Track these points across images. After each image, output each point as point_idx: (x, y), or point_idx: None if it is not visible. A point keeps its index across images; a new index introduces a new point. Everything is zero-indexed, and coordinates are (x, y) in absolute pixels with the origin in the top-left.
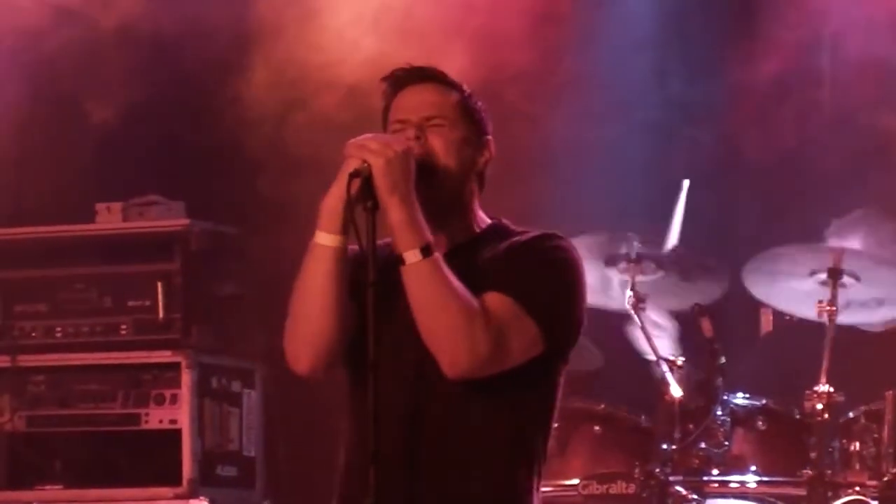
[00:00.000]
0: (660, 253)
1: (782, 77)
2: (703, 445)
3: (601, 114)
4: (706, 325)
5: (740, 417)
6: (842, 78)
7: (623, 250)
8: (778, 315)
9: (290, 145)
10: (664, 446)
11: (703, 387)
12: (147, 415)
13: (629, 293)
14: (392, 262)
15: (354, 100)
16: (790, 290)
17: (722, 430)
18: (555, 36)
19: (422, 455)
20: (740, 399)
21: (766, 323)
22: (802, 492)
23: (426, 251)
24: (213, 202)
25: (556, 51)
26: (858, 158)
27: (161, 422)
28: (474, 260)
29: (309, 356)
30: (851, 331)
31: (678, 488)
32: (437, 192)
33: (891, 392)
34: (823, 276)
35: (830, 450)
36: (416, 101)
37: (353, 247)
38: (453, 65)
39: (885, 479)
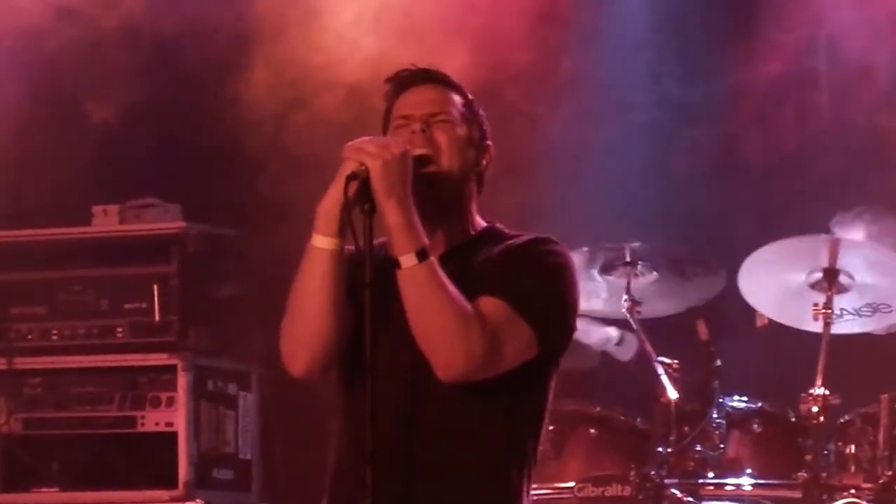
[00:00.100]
0: (656, 255)
1: (780, 78)
2: (698, 448)
3: (600, 114)
4: (702, 328)
5: (736, 420)
6: (840, 79)
7: (618, 253)
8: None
9: (290, 146)
10: (660, 449)
11: (698, 389)
12: (143, 417)
13: (625, 297)
14: (389, 263)
15: (354, 100)
16: (785, 298)
17: (717, 432)
18: (554, 36)
19: (416, 457)
20: (736, 401)
21: (762, 325)
22: (798, 494)
23: (422, 255)
24: (213, 202)
25: (556, 51)
26: (857, 159)
27: (157, 424)
28: (469, 263)
29: (305, 358)
30: (847, 333)
31: (674, 491)
32: (438, 190)
33: (886, 395)
34: (819, 275)
35: (826, 452)
36: (422, 99)
37: (350, 247)
38: (453, 65)
39: (881, 481)
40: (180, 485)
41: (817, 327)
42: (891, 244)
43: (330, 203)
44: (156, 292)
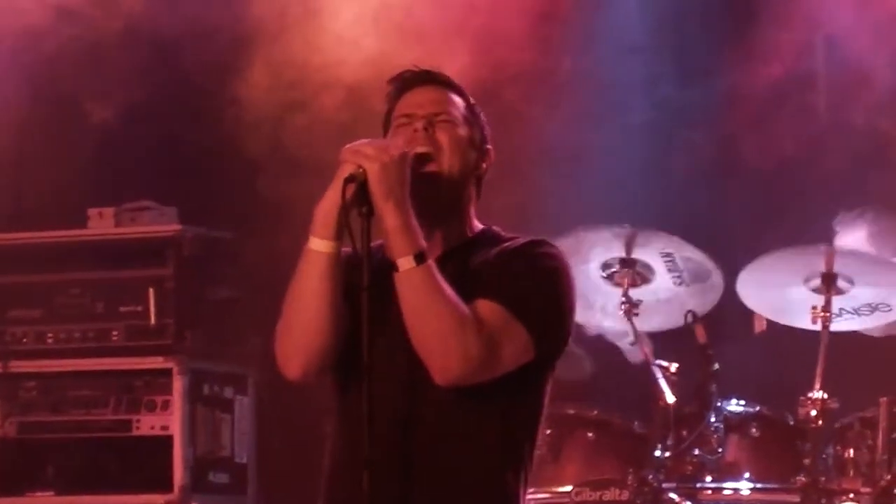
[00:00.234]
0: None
1: (779, 80)
2: (696, 452)
3: (598, 115)
4: (700, 332)
5: (734, 424)
6: (839, 80)
7: (615, 255)
8: (771, 320)
9: (289, 147)
10: (657, 453)
11: (696, 393)
12: (138, 421)
13: (622, 299)
14: (386, 265)
15: (354, 101)
16: (784, 299)
17: (716, 436)
18: (552, 37)
19: (412, 460)
20: (734, 405)
21: (760, 328)
22: (796, 498)
23: (420, 258)
24: (209, 205)
25: (554, 52)
26: (857, 160)
27: (152, 428)
28: (466, 265)
29: (301, 361)
30: (846, 336)
31: (671, 495)
32: (437, 190)
33: (885, 398)
34: (817, 281)
35: (824, 456)
36: (424, 99)
37: (347, 249)
38: (452, 65)
39: (880, 485)
40: (176, 489)
41: (815, 326)
42: (892, 244)
43: (327, 206)
44: (151, 295)
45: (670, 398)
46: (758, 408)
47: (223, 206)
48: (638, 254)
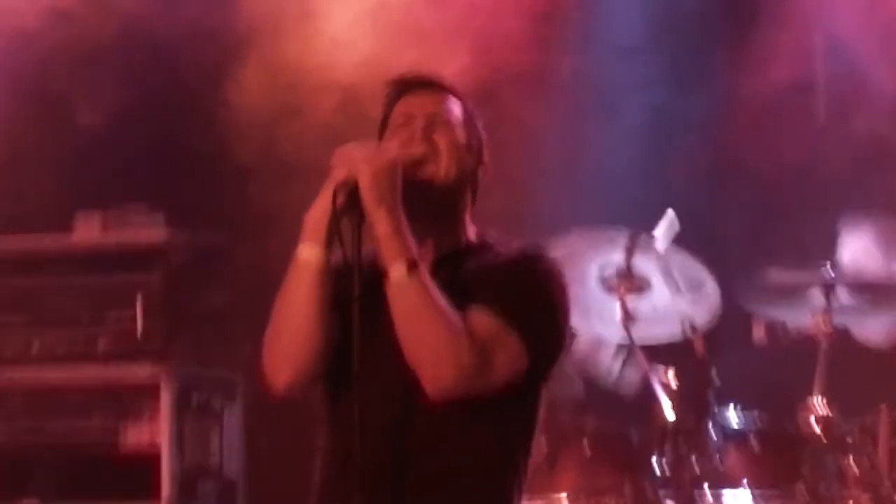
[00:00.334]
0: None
1: (780, 85)
2: (694, 461)
3: (595, 118)
4: (698, 343)
5: (732, 432)
6: (839, 85)
7: (612, 261)
8: (770, 327)
9: (282, 151)
10: (655, 462)
11: (694, 401)
12: (125, 431)
13: (619, 309)
14: (378, 273)
15: (349, 104)
16: (785, 303)
17: (713, 445)
18: (551, 39)
19: (405, 471)
20: (732, 413)
21: (759, 335)
22: None
23: (412, 266)
24: (199, 209)
25: (552, 53)
26: (858, 166)
27: (139, 438)
28: (459, 273)
29: (288, 371)
30: (845, 343)
31: (669, 503)
32: (431, 196)
33: (885, 405)
34: (817, 290)
35: (824, 464)
36: (424, 101)
37: (338, 257)
38: (450, 66)
39: (881, 493)
40: (163, 501)
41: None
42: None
43: (318, 212)
44: (139, 302)
45: (668, 408)
46: (756, 416)
47: (213, 211)
48: (635, 261)
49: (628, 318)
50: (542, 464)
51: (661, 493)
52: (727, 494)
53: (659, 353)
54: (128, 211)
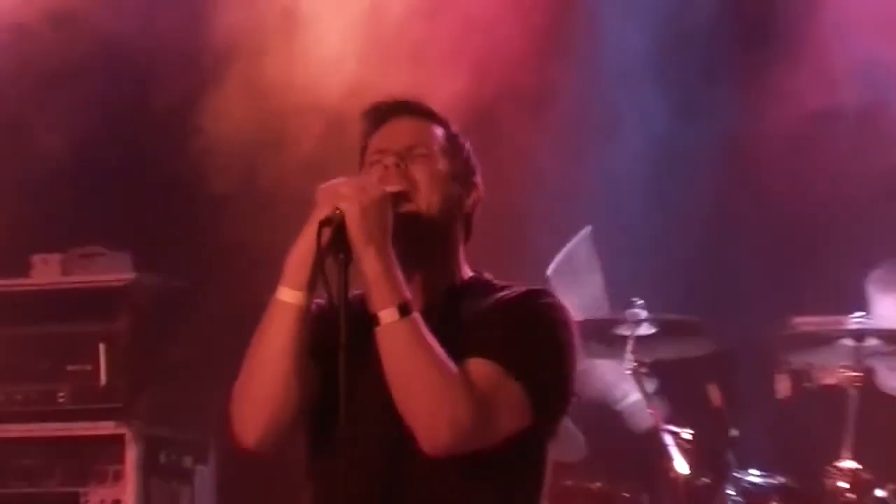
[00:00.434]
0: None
1: (800, 115)
2: None
3: (598, 148)
4: (715, 394)
5: (754, 497)
6: (865, 115)
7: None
8: (796, 380)
9: (263, 183)
10: None
11: (711, 462)
12: (87, 494)
13: (629, 356)
14: (366, 317)
15: (337, 131)
16: (811, 353)
17: None
18: (552, 60)
19: None
20: (754, 476)
21: (783, 389)
22: None
23: (404, 310)
24: (169, 249)
25: (553, 76)
26: (887, 204)
27: (103, 502)
28: (454, 318)
29: (258, 426)
30: (877, 396)
31: None
32: (416, 233)
33: None
34: (850, 342)
35: None
36: (398, 132)
37: (320, 301)
38: (445, 88)
39: None
40: None
41: None
42: None
43: (300, 252)
44: (102, 353)
45: (682, 468)
46: (780, 479)
47: (185, 252)
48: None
49: (640, 363)
50: None
51: None
52: None
53: (673, 410)
54: (90, 252)
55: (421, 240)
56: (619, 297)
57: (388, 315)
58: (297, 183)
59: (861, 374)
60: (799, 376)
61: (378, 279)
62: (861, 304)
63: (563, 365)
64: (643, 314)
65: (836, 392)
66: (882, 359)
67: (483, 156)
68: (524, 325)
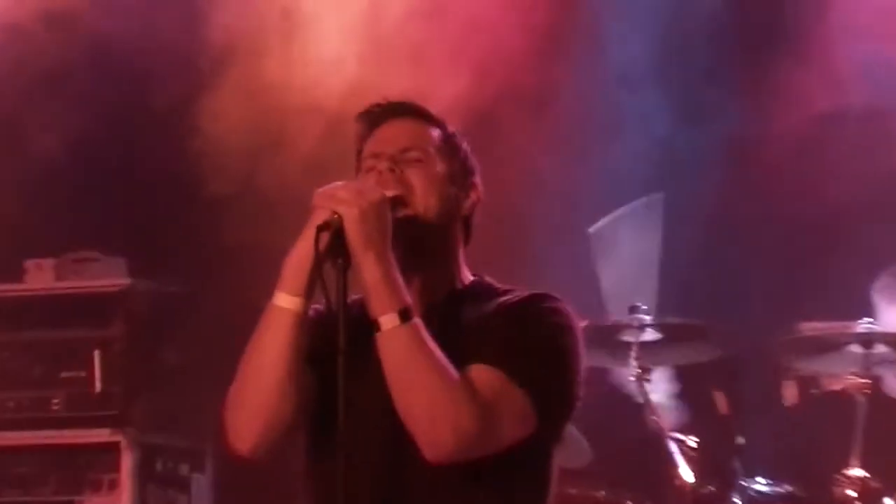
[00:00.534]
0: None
1: (805, 118)
2: None
3: (601, 156)
4: (721, 400)
5: (760, 502)
6: (873, 117)
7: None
8: (804, 387)
9: (262, 186)
10: None
11: (717, 470)
12: (82, 503)
13: (633, 363)
14: (365, 323)
15: (337, 132)
16: (818, 359)
17: None
18: (553, 60)
19: None
20: (760, 484)
21: (790, 396)
22: None
23: (405, 315)
24: (168, 254)
25: (555, 76)
26: (886, 209)
27: None
28: (455, 323)
29: (253, 432)
30: (886, 402)
31: None
32: (415, 237)
33: None
34: (858, 348)
35: None
36: (392, 135)
37: (318, 306)
38: (446, 89)
39: None
40: None
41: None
42: None
43: (298, 257)
44: (96, 359)
45: (688, 476)
46: (787, 487)
47: (180, 257)
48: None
49: (643, 369)
50: None
51: None
52: None
53: (677, 417)
54: (84, 257)
55: (419, 244)
56: (621, 302)
57: (388, 320)
58: (296, 185)
59: (869, 380)
60: (806, 383)
61: (378, 284)
62: (869, 309)
63: (568, 370)
64: (647, 319)
65: (843, 399)
66: (890, 366)
67: (483, 157)
68: (527, 330)
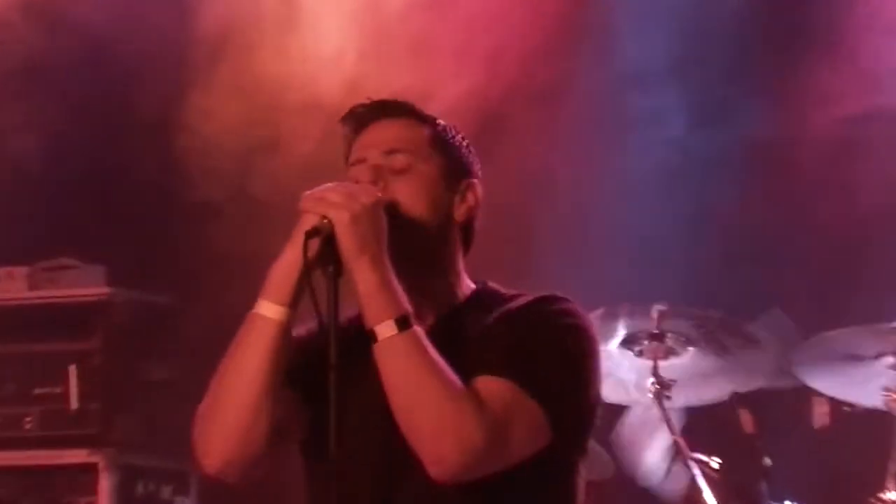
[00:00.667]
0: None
1: (832, 120)
2: None
3: (618, 156)
4: (747, 419)
5: None
6: None
7: (643, 324)
8: (835, 405)
9: (251, 190)
10: None
11: (742, 493)
12: None
13: (651, 379)
14: (358, 341)
15: (337, 133)
16: (850, 376)
17: None
18: (564, 66)
19: None
20: None
21: (821, 415)
22: None
23: (403, 323)
24: (151, 261)
25: (566, 73)
26: None
27: None
28: (460, 334)
29: (224, 451)
30: None
31: None
32: (407, 247)
33: None
34: (891, 359)
35: None
36: (377, 138)
37: (308, 326)
38: (451, 86)
39: None
40: None
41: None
42: None
43: (285, 265)
44: (73, 374)
45: (711, 501)
46: None
47: (164, 265)
48: (668, 325)
49: (662, 386)
50: None
51: None
52: None
53: (701, 438)
54: (60, 264)
55: (412, 255)
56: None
57: (385, 329)
58: (292, 189)
59: None
60: (838, 399)
61: (374, 291)
62: None
63: (582, 374)
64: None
65: (878, 417)
66: None
67: (490, 156)
68: (535, 334)
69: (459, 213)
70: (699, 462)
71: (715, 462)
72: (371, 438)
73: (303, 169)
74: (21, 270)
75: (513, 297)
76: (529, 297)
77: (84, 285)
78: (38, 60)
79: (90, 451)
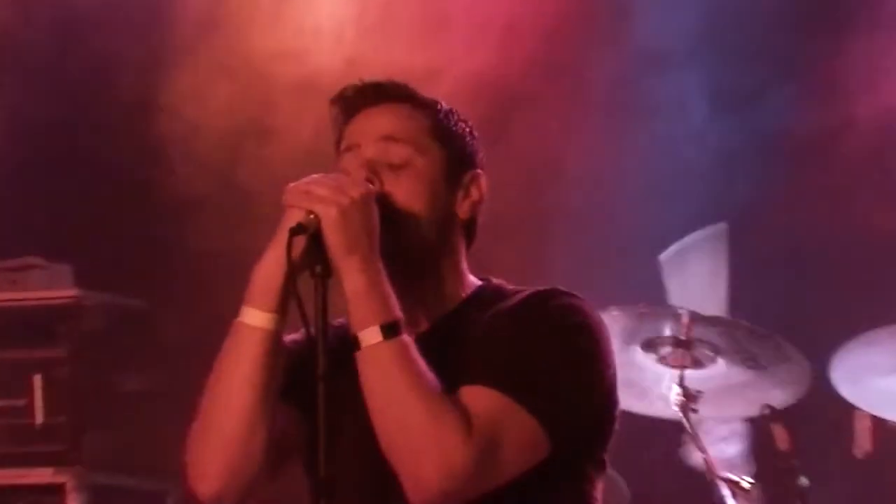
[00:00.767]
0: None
1: (886, 112)
2: None
3: (641, 148)
4: (781, 435)
5: None
6: None
7: (668, 331)
8: (878, 421)
9: (237, 182)
10: None
11: None
12: None
13: (676, 390)
14: (349, 346)
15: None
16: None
17: None
18: (583, 52)
19: None
20: None
21: (862, 430)
22: None
23: (389, 330)
24: (124, 261)
25: (582, 54)
26: None
27: None
28: (457, 340)
29: (218, 472)
30: None
31: None
32: (402, 248)
33: None
34: None
35: None
36: (369, 126)
37: (295, 336)
38: (457, 65)
39: None
40: None
41: None
42: None
43: (268, 267)
44: (37, 385)
45: None
46: None
47: (139, 265)
48: (696, 332)
49: (688, 397)
50: None
51: None
52: None
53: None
54: (24, 264)
55: (407, 254)
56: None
57: (369, 336)
58: (283, 180)
59: None
60: (881, 420)
61: (361, 294)
62: None
63: (587, 378)
64: None
65: None
66: None
67: (503, 139)
68: (533, 336)
69: (462, 208)
70: (729, 482)
71: (747, 482)
72: (364, 455)
73: (297, 157)
74: None
75: (518, 293)
76: (528, 292)
77: (50, 287)
78: (4, 38)
79: (56, 470)
